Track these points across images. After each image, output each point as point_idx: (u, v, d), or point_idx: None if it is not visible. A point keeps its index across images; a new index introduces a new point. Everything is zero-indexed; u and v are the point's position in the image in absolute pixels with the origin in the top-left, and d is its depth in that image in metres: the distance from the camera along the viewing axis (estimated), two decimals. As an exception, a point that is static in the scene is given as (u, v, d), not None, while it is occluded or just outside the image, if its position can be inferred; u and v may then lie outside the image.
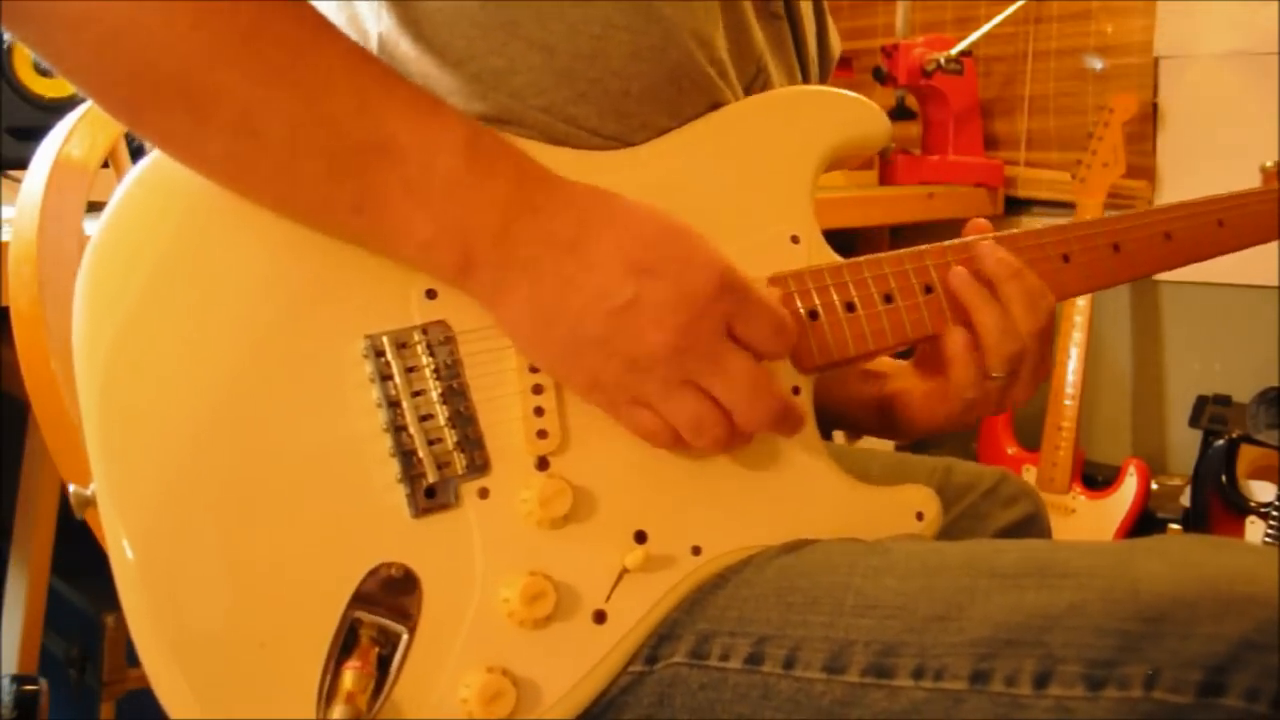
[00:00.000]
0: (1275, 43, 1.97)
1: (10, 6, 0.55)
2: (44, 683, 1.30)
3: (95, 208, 0.86)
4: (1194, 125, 2.10)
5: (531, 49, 0.67)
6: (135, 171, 0.62)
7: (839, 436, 2.17)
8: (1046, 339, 0.74)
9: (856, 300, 0.72)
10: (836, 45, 0.92)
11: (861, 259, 0.74)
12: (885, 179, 2.20)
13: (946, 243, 0.76)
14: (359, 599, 0.59)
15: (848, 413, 0.86)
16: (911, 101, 2.29)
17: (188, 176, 0.60)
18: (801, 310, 0.71)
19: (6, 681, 1.30)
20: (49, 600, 1.41)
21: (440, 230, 0.59)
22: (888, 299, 0.73)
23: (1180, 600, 0.55)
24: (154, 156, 0.62)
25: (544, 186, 0.62)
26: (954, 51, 2.13)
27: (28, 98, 1.38)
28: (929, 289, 0.74)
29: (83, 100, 0.87)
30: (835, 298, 0.71)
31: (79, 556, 1.12)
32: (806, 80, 0.85)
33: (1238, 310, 2.09)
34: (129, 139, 0.93)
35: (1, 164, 1.38)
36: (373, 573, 0.59)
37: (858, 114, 0.78)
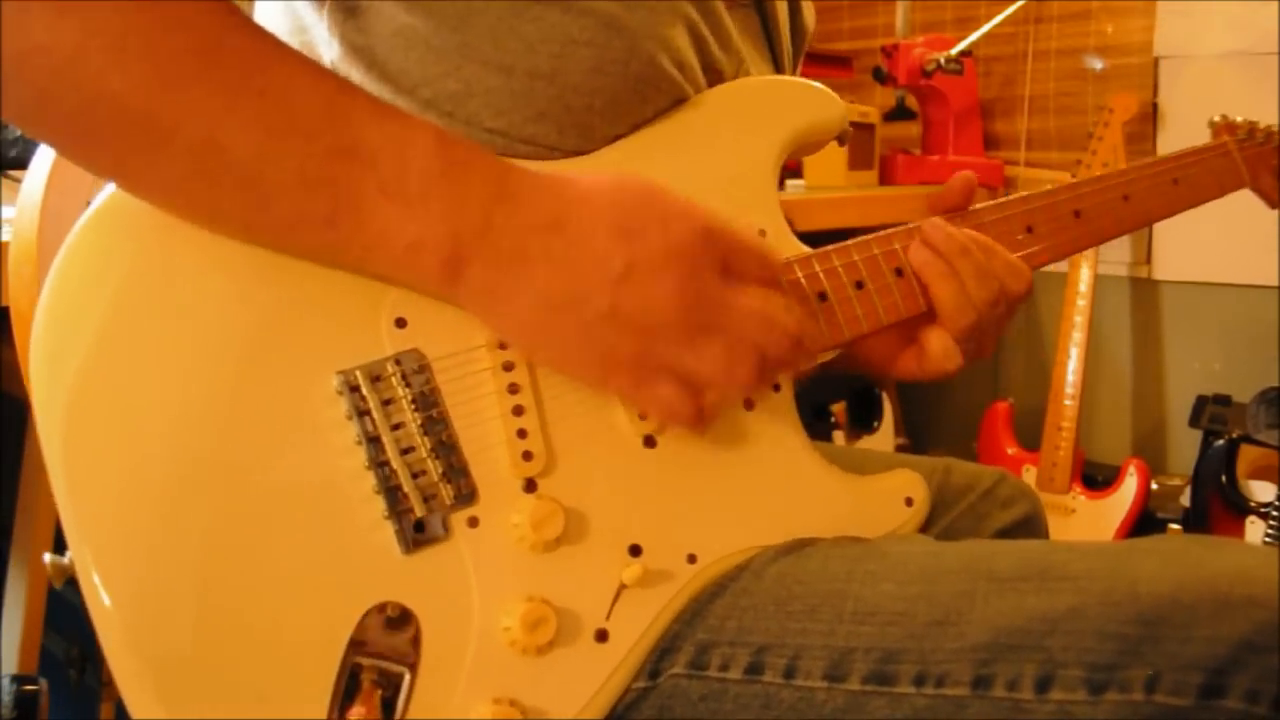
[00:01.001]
0: (1275, 43, 1.97)
1: None
2: (44, 683, 1.30)
3: (95, 208, 0.86)
4: (1194, 125, 2.10)
5: (488, 70, 0.66)
6: (88, 212, 0.59)
7: (839, 437, 2.18)
8: (1002, 309, 0.75)
9: (828, 289, 0.71)
10: (810, 19, 0.91)
11: (830, 248, 0.73)
12: (885, 179, 2.20)
13: (912, 224, 0.76)
14: (357, 643, 0.57)
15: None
16: (911, 101, 2.29)
17: (144, 215, 0.58)
18: None
19: (6, 681, 1.30)
20: (49, 600, 1.41)
21: (425, 230, 0.57)
22: (859, 285, 0.72)
23: (1179, 602, 0.55)
24: (108, 195, 0.59)
25: (515, 174, 0.60)
26: (954, 51, 2.13)
27: (28, 98, 1.38)
28: (899, 271, 0.74)
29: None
30: (807, 289, 0.71)
31: (79, 556, 1.11)
32: (780, 65, 0.84)
33: (1238, 310, 2.09)
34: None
35: (1, 164, 1.38)
36: (369, 615, 0.58)
37: (812, 101, 0.77)
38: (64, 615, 1.50)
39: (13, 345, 0.77)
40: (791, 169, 2.07)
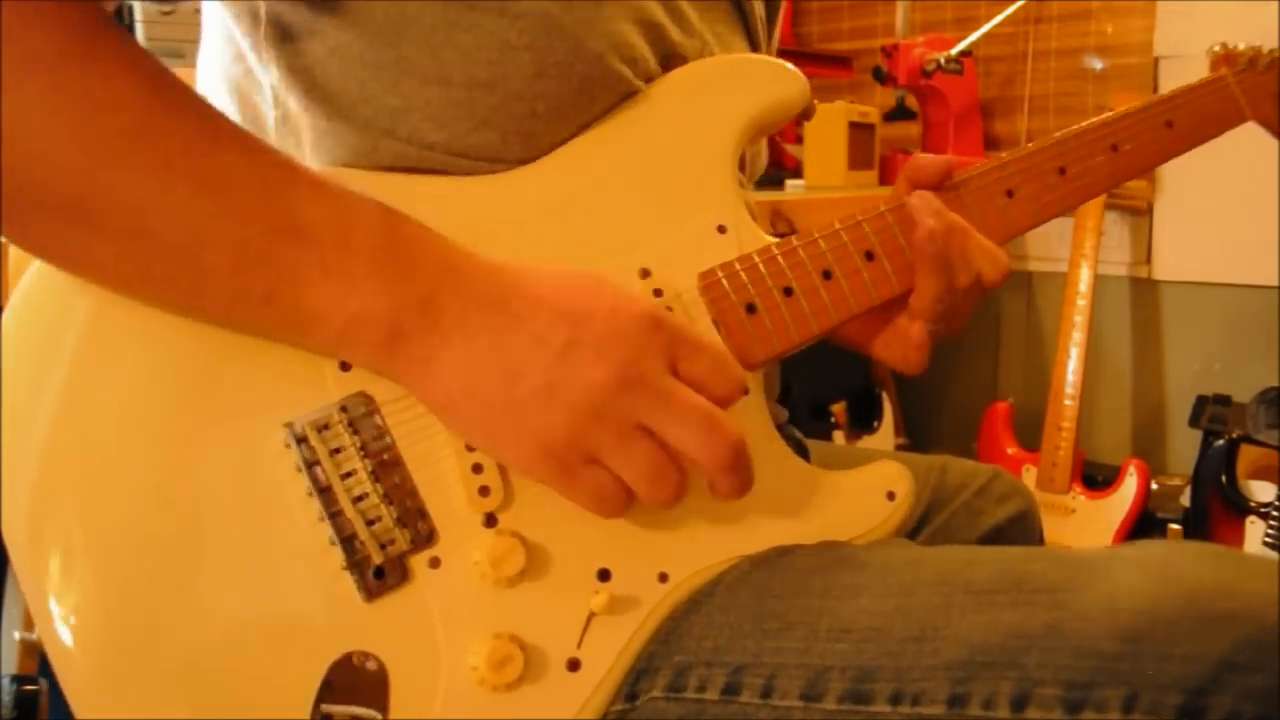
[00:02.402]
0: (1275, 43, 1.97)
1: None
2: (44, 683, 1.30)
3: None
4: (1194, 125, 2.10)
5: (425, 83, 0.64)
6: (20, 287, 0.59)
7: (839, 437, 2.18)
8: (977, 294, 0.73)
9: (794, 283, 0.69)
10: None
11: (794, 238, 0.70)
12: (885, 179, 2.20)
13: (883, 207, 0.72)
14: (326, 694, 0.57)
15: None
16: (911, 101, 2.29)
17: (75, 288, 0.57)
18: (737, 304, 0.67)
19: (6, 681, 1.30)
20: (49, 600, 1.41)
21: (365, 305, 0.56)
22: (826, 275, 0.70)
23: (1159, 618, 0.53)
24: (38, 267, 0.58)
25: (466, 256, 0.59)
26: (954, 51, 2.13)
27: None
28: (870, 255, 0.71)
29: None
30: (771, 285, 0.68)
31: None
32: (750, 34, 0.79)
33: (1238, 310, 2.09)
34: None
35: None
36: (336, 666, 0.57)
37: (768, 78, 0.72)
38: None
39: (13, 345, 0.77)
40: (791, 169, 2.07)
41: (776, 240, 0.70)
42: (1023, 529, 0.94)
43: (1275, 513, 1.85)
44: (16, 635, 0.61)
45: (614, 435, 0.58)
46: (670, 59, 0.71)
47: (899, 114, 2.28)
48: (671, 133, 0.69)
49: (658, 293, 0.66)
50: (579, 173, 0.67)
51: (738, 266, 0.68)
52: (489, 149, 0.66)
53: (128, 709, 0.55)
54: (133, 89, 0.53)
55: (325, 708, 0.57)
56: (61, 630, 0.55)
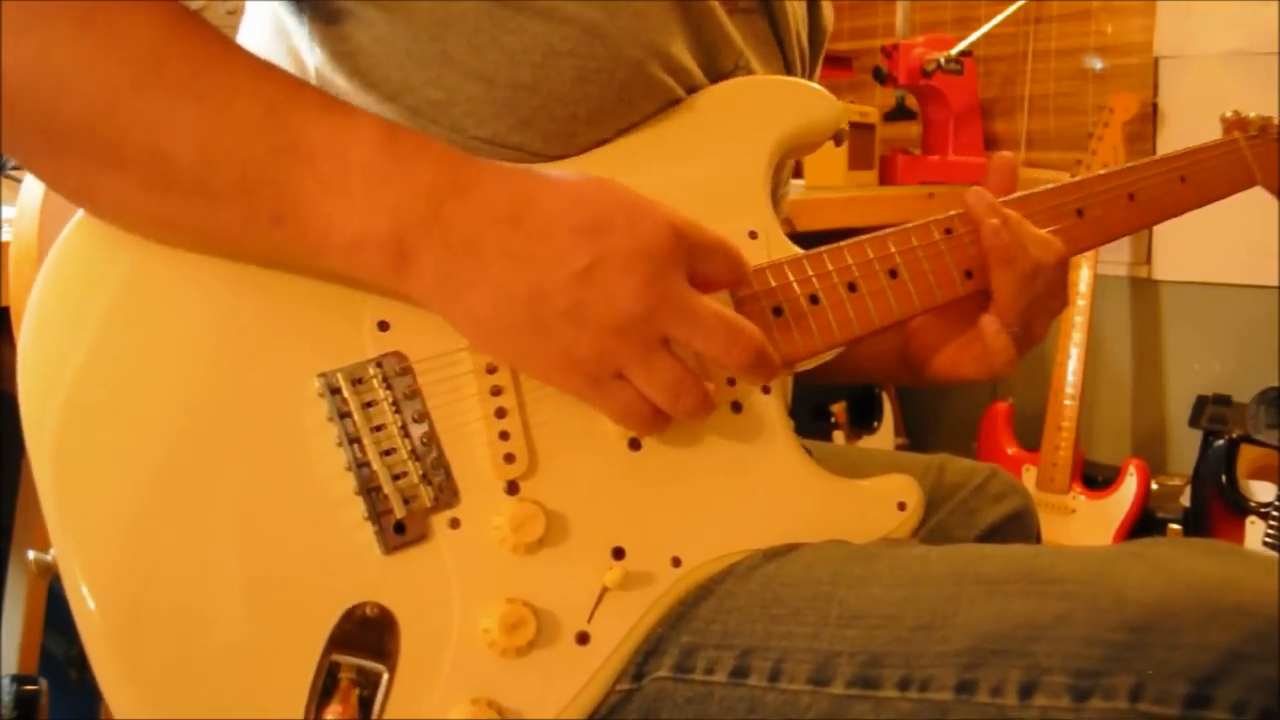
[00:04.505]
0: (1275, 43, 1.97)
1: None
2: (44, 683, 1.30)
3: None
4: (1194, 125, 2.10)
5: (469, 80, 0.65)
6: (67, 230, 0.60)
7: (839, 437, 2.18)
8: (1040, 285, 0.75)
9: (820, 292, 0.71)
10: (829, 19, 0.90)
11: (823, 249, 0.72)
12: (885, 179, 2.20)
13: (910, 224, 0.75)
14: (335, 642, 0.57)
15: (863, 365, 0.86)
16: (911, 101, 2.29)
17: (117, 237, 0.59)
18: (765, 307, 0.69)
19: (6, 681, 1.30)
20: (49, 600, 1.41)
21: (366, 224, 0.56)
22: (852, 288, 0.72)
23: (1167, 609, 0.54)
24: (74, 224, 0.60)
25: (470, 167, 0.59)
26: (954, 51, 2.13)
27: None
28: (894, 273, 0.73)
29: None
30: (799, 292, 0.70)
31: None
32: (790, 68, 0.82)
33: (1238, 310, 2.09)
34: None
35: (2, 164, 1.38)
36: (348, 614, 0.58)
37: (805, 101, 0.76)
38: (64, 615, 1.50)
39: (13, 345, 0.77)
40: (791, 168, 2.06)
41: (804, 252, 0.72)
42: (1020, 528, 0.94)
43: (1275, 513, 1.85)
44: (31, 554, 0.63)
45: (639, 351, 0.59)
46: (713, 71, 0.74)
47: (899, 114, 2.28)
48: (711, 141, 0.72)
49: None
50: (617, 172, 0.68)
51: (767, 272, 0.70)
52: (530, 147, 0.67)
53: (143, 642, 0.56)
54: (150, 20, 0.55)
55: (335, 656, 0.57)
56: (79, 559, 0.56)
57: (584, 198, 0.59)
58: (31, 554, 0.62)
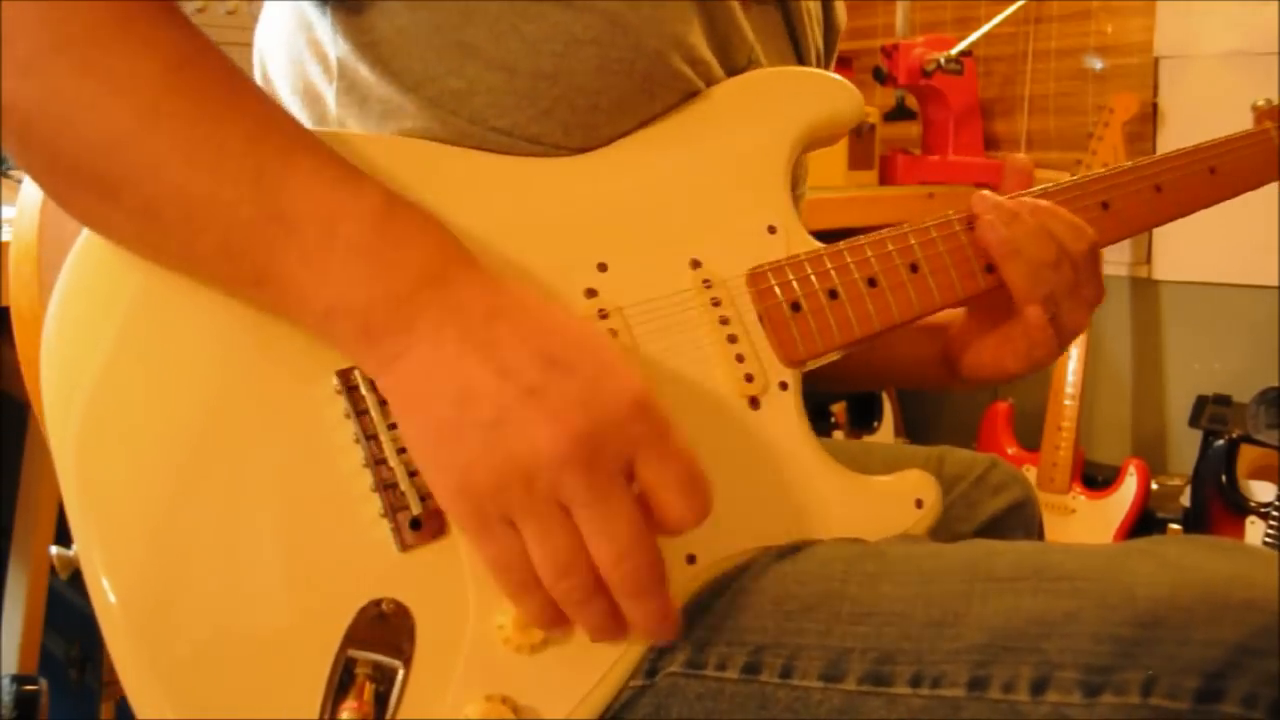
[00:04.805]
0: (1275, 43, 1.97)
1: None
2: (44, 683, 1.30)
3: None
4: (1194, 125, 2.10)
5: (490, 70, 0.65)
6: (84, 237, 0.61)
7: (838, 437, 2.18)
8: (1067, 271, 0.75)
9: (839, 287, 0.71)
10: (842, 16, 0.90)
11: (842, 244, 0.72)
12: (885, 179, 2.20)
13: (930, 220, 0.75)
14: (352, 638, 0.58)
15: (904, 371, 0.87)
16: (911, 101, 2.29)
17: None
18: (783, 302, 0.70)
19: (6, 681, 1.30)
20: (49, 600, 1.41)
21: (338, 299, 0.55)
22: (871, 283, 0.71)
23: (1177, 605, 0.55)
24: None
25: (462, 263, 0.57)
26: (954, 51, 2.13)
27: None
28: (914, 268, 0.73)
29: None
30: (817, 286, 0.70)
31: (79, 556, 1.11)
32: (804, 61, 0.82)
33: (1238, 310, 2.09)
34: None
35: (1, 164, 1.38)
36: (364, 610, 0.58)
37: (825, 91, 0.75)
38: (64, 615, 1.50)
39: (13, 345, 0.77)
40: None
41: (824, 246, 0.72)
42: (1021, 518, 0.94)
43: (1275, 513, 1.85)
44: (54, 550, 0.63)
45: (538, 506, 0.54)
46: (726, 65, 0.74)
47: (899, 114, 2.28)
48: (730, 134, 0.71)
49: (707, 283, 0.69)
50: (638, 164, 0.69)
51: (785, 266, 0.70)
52: (550, 138, 0.67)
53: (163, 635, 0.56)
54: (150, 69, 0.55)
55: (351, 652, 0.57)
56: (101, 553, 0.56)
57: (562, 329, 0.56)
58: (54, 549, 0.62)
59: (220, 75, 0.58)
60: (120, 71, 0.55)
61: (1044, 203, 0.75)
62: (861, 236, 0.73)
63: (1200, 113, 2.09)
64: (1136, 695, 0.53)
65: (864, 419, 2.24)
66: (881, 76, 2.16)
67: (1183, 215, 0.85)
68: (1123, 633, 0.54)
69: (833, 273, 0.71)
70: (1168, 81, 2.12)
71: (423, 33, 0.65)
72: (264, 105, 0.58)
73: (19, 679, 1.31)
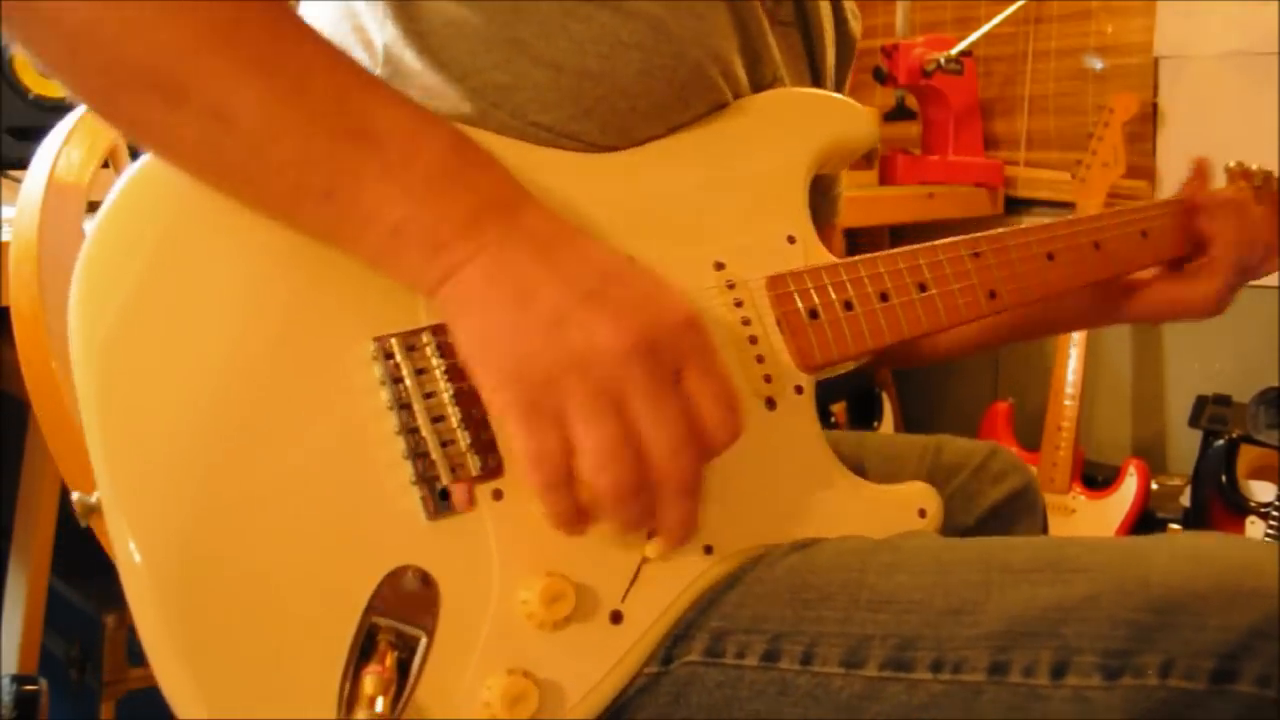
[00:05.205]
0: (1275, 43, 1.97)
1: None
2: (44, 683, 1.30)
3: (95, 208, 0.86)
4: (1194, 125, 2.10)
5: (537, 66, 0.67)
6: (130, 171, 0.61)
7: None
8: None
9: (854, 299, 0.73)
10: (856, 31, 0.93)
11: (857, 259, 0.75)
12: (885, 179, 2.20)
13: (939, 241, 0.78)
14: (376, 604, 0.58)
15: (1083, 314, 0.95)
16: (911, 101, 2.29)
17: (183, 176, 0.60)
18: (801, 309, 0.72)
19: (6, 681, 1.30)
20: (49, 600, 1.41)
21: (415, 210, 0.56)
22: (883, 297, 0.74)
23: (1192, 592, 0.57)
24: (147, 158, 0.61)
25: (527, 194, 0.60)
26: (954, 51, 2.13)
27: (28, 98, 1.38)
28: (923, 287, 0.76)
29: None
30: (834, 297, 0.73)
31: (79, 556, 1.12)
32: (820, 84, 0.86)
33: (1238, 310, 2.08)
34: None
35: (1, 164, 1.38)
36: (389, 577, 0.58)
37: (847, 116, 0.80)
38: (64, 615, 1.50)
39: (13, 345, 0.77)
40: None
41: (839, 260, 0.75)
42: (1024, 504, 0.94)
43: (1275, 513, 1.85)
44: (75, 495, 0.62)
45: (590, 397, 0.55)
46: (759, 80, 0.77)
47: (899, 114, 2.28)
48: (754, 145, 0.75)
49: (730, 284, 0.71)
50: (668, 166, 0.72)
51: (805, 274, 0.73)
52: (587, 135, 0.69)
53: (186, 599, 0.56)
54: None
55: (375, 618, 0.58)
56: (128, 518, 0.56)
57: (618, 258, 0.59)
58: (76, 495, 0.61)
59: (287, 9, 0.59)
60: None
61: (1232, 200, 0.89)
62: (873, 254, 0.76)
63: (1200, 113, 2.09)
64: (1155, 677, 0.56)
65: (864, 418, 2.24)
66: (881, 76, 2.16)
67: (1160, 261, 0.94)
68: (1140, 619, 0.56)
69: (848, 285, 0.74)
70: (1168, 81, 2.12)
71: (473, 26, 0.67)
72: (326, 40, 0.60)
73: (19, 679, 1.31)
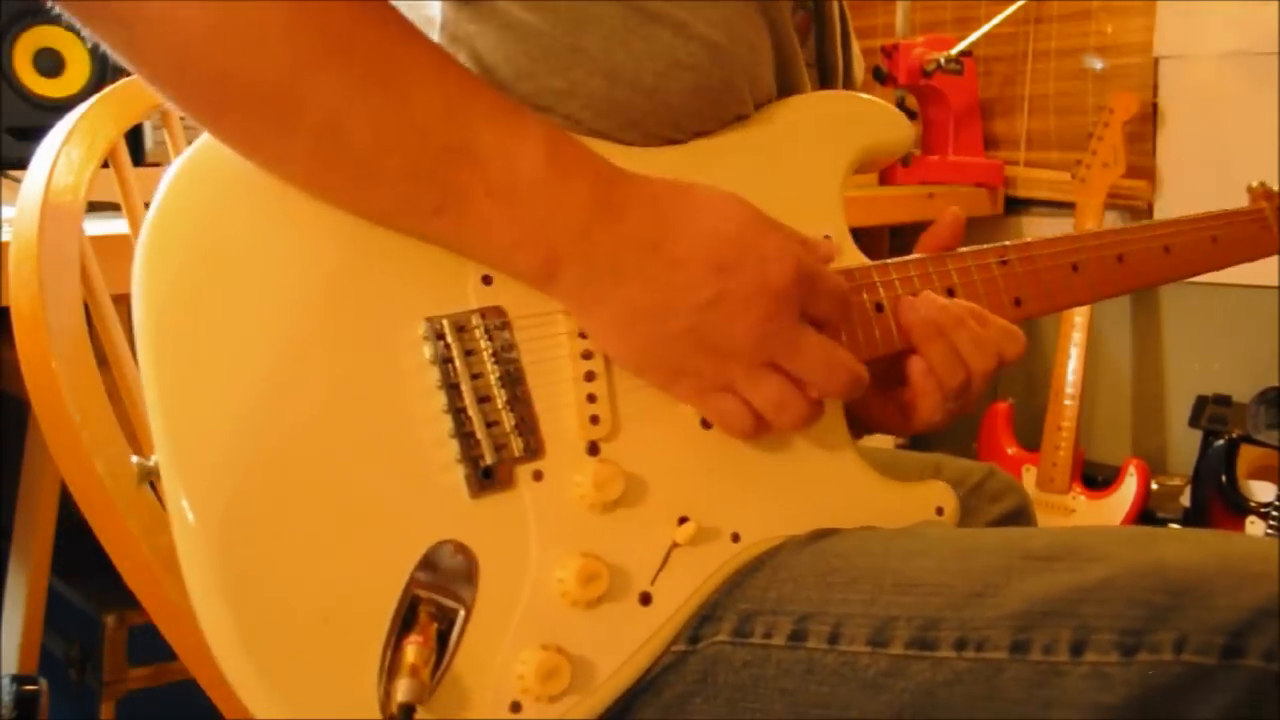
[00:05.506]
0: (1275, 43, 1.97)
1: (93, 6, 0.55)
2: (44, 683, 1.31)
3: (96, 207, 0.86)
4: (1194, 125, 2.10)
5: (594, 75, 0.69)
6: (188, 152, 0.62)
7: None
8: (995, 370, 0.75)
9: (885, 301, 0.75)
10: (860, 74, 0.95)
11: (889, 261, 0.77)
12: (885, 179, 2.20)
13: (966, 249, 0.80)
14: (419, 576, 0.60)
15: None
16: (911, 101, 2.29)
17: (242, 159, 0.61)
18: None
19: (6, 681, 1.30)
20: (49, 600, 1.41)
21: (523, 232, 0.61)
22: (879, 308, 0.76)
23: (1202, 575, 0.60)
24: (205, 139, 0.62)
25: (622, 186, 0.64)
26: (954, 51, 2.13)
27: (28, 98, 1.38)
28: (951, 292, 0.78)
29: (83, 100, 0.87)
30: (865, 298, 0.74)
31: (79, 556, 1.12)
32: None
33: (1238, 310, 2.09)
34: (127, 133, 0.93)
35: (1, 164, 1.38)
36: (432, 550, 0.61)
37: (885, 119, 0.82)
38: (64, 615, 1.50)
39: (13, 345, 0.77)
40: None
41: (871, 262, 0.77)
42: (1021, 525, 0.95)
43: (1275, 513, 1.85)
44: (135, 459, 0.64)
45: (747, 371, 0.64)
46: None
47: (899, 114, 2.28)
48: (792, 147, 0.78)
49: None
50: (706, 165, 0.73)
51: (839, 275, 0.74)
52: (629, 142, 0.71)
53: (238, 561, 0.58)
54: (338, 2, 0.58)
55: (417, 590, 0.60)
56: (184, 481, 0.58)
57: (721, 231, 0.64)
58: (135, 458, 0.64)
59: (395, 13, 0.61)
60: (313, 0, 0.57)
61: (975, 307, 0.75)
62: (905, 257, 0.78)
63: (1200, 113, 2.09)
64: (1170, 653, 0.59)
65: (864, 419, 2.24)
66: (881, 76, 2.16)
67: (1183, 278, 0.95)
68: (1155, 599, 0.60)
69: (879, 286, 0.75)
70: (1168, 81, 2.12)
71: (534, 31, 0.69)
72: (433, 44, 0.62)
73: (19, 679, 1.31)
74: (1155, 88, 2.13)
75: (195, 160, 0.62)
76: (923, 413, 0.75)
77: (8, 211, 0.90)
